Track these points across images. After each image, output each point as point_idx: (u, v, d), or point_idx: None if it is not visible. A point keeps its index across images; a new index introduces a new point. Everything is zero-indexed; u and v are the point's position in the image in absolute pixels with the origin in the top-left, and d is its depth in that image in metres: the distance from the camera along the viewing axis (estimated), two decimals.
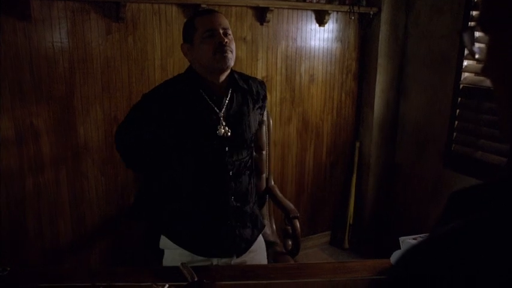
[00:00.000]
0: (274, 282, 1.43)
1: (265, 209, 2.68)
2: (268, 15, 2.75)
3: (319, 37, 3.05)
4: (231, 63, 1.50)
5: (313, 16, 2.98)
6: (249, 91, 1.60)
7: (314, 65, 3.08)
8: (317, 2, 2.90)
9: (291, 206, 2.43)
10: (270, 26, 2.82)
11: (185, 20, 1.60)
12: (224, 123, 1.52)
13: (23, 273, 1.45)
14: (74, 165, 2.38)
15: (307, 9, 2.92)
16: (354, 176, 3.39)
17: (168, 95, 1.53)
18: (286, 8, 2.84)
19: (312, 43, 3.03)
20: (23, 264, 2.25)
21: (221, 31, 1.46)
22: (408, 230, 3.11)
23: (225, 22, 1.49)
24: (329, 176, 3.38)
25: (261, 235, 1.81)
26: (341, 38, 3.14)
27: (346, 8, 2.96)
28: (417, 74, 3.08)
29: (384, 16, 3.05)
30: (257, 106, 1.64)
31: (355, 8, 2.93)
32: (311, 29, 3.00)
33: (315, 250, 3.38)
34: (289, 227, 2.36)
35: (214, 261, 1.63)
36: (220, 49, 1.45)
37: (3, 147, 2.18)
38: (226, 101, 1.54)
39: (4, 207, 2.24)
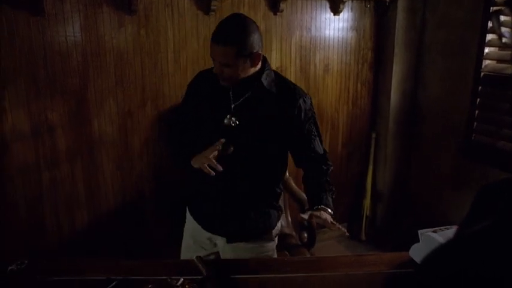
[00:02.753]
0: (290, 275, 1.41)
1: (280, 201, 2.66)
2: (282, 5, 2.70)
3: (334, 26, 3.00)
4: (231, 84, 1.54)
5: (328, 5, 2.93)
6: (272, 94, 1.57)
7: (329, 55, 3.03)
8: None
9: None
10: (283, 15, 2.78)
11: None
12: (233, 115, 1.56)
13: (40, 266, 1.46)
14: (89, 158, 2.39)
15: None
16: (370, 167, 3.34)
17: (206, 79, 1.64)
18: None
19: (327, 32, 2.98)
20: (40, 257, 2.28)
21: (217, 59, 1.48)
22: (426, 222, 3.05)
23: (221, 56, 1.46)
24: (345, 167, 3.33)
25: (273, 244, 1.80)
26: (356, 27, 3.08)
27: None
28: (435, 62, 3.00)
29: (401, 3, 2.97)
30: (280, 114, 1.58)
31: None
32: (326, 18, 2.95)
33: (331, 242, 3.35)
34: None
35: (219, 241, 1.71)
36: (217, 75, 1.53)
37: (19, 141, 2.20)
38: (244, 97, 1.56)
39: (22, 200, 2.26)
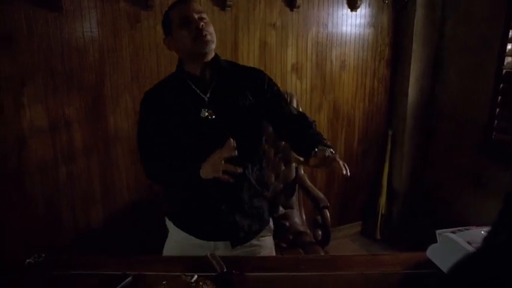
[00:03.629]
0: (304, 274, 1.40)
1: (294, 198, 2.66)
2: (299, 1, 2.68)
3: (351, 22, 2.96)
4: (212, 46, 1.51)
5: (345, 1, 2.89)
6: (237, 77, 1.59)
7: (345, 51, 3.00)
8: None
9: (321, 195, 2.40)
10: (300, 11, 2.75)
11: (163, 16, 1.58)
12: (208, 107, 1.52)
13: (57, 260, 1.47)
14: (105, 154, 2.41)
15: None
16: (386, 165, 3.30)
17: (160, 92, 1.58)
18: None
19: (344, 29, 2.95)
20: (57, 250, 2.31)
21: (196, 16, 1.47)
22: (444, 222, 3.01)
23: (198, 7, 1.50)
24: (360, 164, 3.30)
25: (270, 240, 1.74)
26: (374, 23, 3.03)
27: None
28: (455, 59, 2.94)
29: None
30: (251, 91, 1.58)
31: None
32: (342, 14, 2.91)
33: (345, 240, 3.32)
34: (318, 217, 2.32)
35: (212, 246, 1.60)
36: (199, 34, 1.46)
37: (37, 137, 2.23)
38: (212, 86, 1.54)
39: (40, 195, 2.30)
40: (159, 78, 2.42)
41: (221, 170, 1.42)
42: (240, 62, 2.64)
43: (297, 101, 2.65)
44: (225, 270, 1.35)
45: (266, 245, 1.71)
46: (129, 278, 1.31)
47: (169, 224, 1.71)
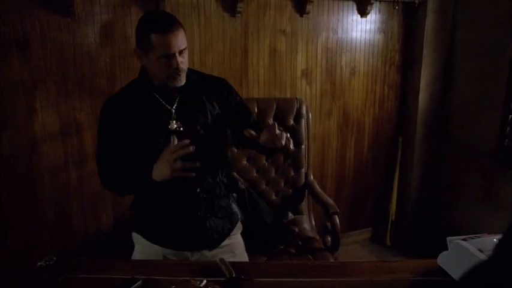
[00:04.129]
0: (313, 280, 1.39)
1: (303, 204, 2.65)
2: (308, 7, 2.68)
3: (361, 28, 2.96)
4: (183, 81, 1.50)
5: (355, 6, 2.89)
6: (202, 87, 1.59)
7: (355, 57, 2.99)
8: None
9: (331, 201, 2.38)
10: (310, 17, 2.76)
11: (139, 21, 1.49)
12: (176, 118, 1.51)
13: (67, 263, 1.48)
14: None
15: (348, 0, 2.84)
16: (397, 171, 3.27)
17: (123, 101, 1.54)
18: None
19: (354, 34, 2.94)
20: (67, 254, 2.33)
21: (177, 53, 1.43)
22: (454, 230, 2.99)
23: (181, 41, 1.44)
24: (370, 171, 3.28)
25: (240, 237, 1.77)
26: (384, 29, 3.03)
27: None
28: (466, 65, 2.92)
29: (431, 4, 2.91)
30: (216, 101, 1.61)
31: None
32: (352, 20, 2.91)
33: (355, 247, 3.30)
34: (328, 223, 2.31)
35: (188, 255, 1.63)
36: (175, 73, 1.45)
37: (49, 141, 2.26)
38: (178, 98, 1.54)
39: (50, 198, 2.32)
40: None
41: (179, 169, 1.41)
42: (250, 69, 2.67)
43: (307, 107, 2.66)
44: (233, 275, 1.34)
45: (238, 241, 1.75)
46: (139, 282, 1.31)
47: (137, 237, 1.68)
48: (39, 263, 1.43)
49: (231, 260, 1.48)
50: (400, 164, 3.27)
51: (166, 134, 1.48)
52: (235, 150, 2.54)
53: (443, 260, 1.38)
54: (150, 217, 1.64)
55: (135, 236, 1.70)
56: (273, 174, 2.62)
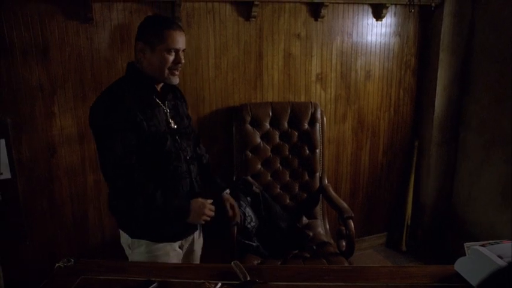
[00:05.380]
0: (328, 284, 1.38)
1: (318, 208, 2.64)
2: (323, 11, 2.68)
3: (376, 32, 2.94)
4: (178, 80, 1.66)
5: (370, 10, 2.88)
6: (174, 89, 1.76)
7: (371, 60, 2.98)
8: None
9: (345, 205, 2.38)
10: (324, 21, 2.76)
11: (148, 20, 1.65)
12: (172, 119, 1.68)
13: (85, 265, 1.50)
14: None
15: (363, 3, 2.83)
16: (412, 176, 3.24)
17: (128, 101, 1.55)
18: (342, 3, 2.76)
19: (369, 38, 2.93)
20: (84, 255, 2.35)
21: (181, 50, 1.61)
22: (472, 235, 2.94)
23: (184, 42, 1.63)
24: (385, 175, 3.26)
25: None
26: (399, 32, 3.01)
27: (405, 1, 2.82)
28: (484, 68, 2.88)
29: (448, 7, 2.88)
30: (182, 99, 1.83)
31: (415, 0, 2.79)
32: (367, 24, 2.90)
33: (370, 252, 3.28)
34: (343, 227, 2.30)
35: (177, 245, 1.75)
36: (175, 68, 1.61)
37: (67, 144, 2.30)
38: (168, 98, 1.70)
39: (68, 201, 2.35)
40: (185, 89, 2.50)
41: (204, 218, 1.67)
42: (265, 73, 2.68)
43: (321, 111, 2.66)
44: (248, 278, 1.35)
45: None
46: (155, 284, 1.32)
47: (133, 242, 1.71)
48: (57, 265, 1.45)
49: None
50: (415, 169, 3.24)
51: (169, 134, 1.64)
52: (250, 154, 2.55)
53: (461, 266, 1.36)
54: (150, 214, 1.63)
55: (137, 242, 1.70)
56: (288, 178, 2.62)
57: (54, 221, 2.34)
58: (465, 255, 1.37)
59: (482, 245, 1.31)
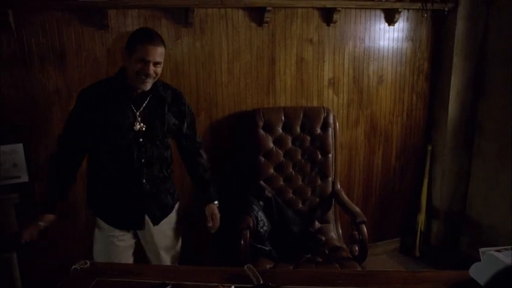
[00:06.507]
0: None
1: (330, 213, 2.64)
2: (335, 16, 2.69)
3: (389, 37, 2.94)
4: (149, 87, 1.77)
5: (382, 15, 2.88)
6: (165, 98, 1.86)
7: (383, 65, 2.97)
8: (386, 1, 2.79)
9: (358, 210, 2.37)
10: (337, 26, 2.77)
11: (134, 32, 1.80)
12: (140, 120, 1.79)
13: (100, 267, 1.53)
14: None
15: (375, 9, 2.83)
16: (426, 180, 3.22)
17: (99, 94, 1.78)
18: (354, 8, 2.77)
19: (381, 43, 2.93)
20: None
21: (152, 62, 1.71)
22: (487, 240, 2.90)
23: (159, 56, 1.73)
24: (398, 180, 3.24)
25: (174, 216, 2.05)
26: (412, 37, 3.00)
27: (418, 6, 2.82)
28: (498, 73, 2.86)
29: (461, 11, 2.86)
30: (172, 110, 1.89)
31: (428, 5, 2.78)
32: (380, 29, 2.90)
33: (382, 257, 3.25)
34: (355, 232, 2.29)
35: (128, 235, 1.93)
36: (144, 75, 1.72)
37: None
38: (145, 103, 1.80)
39: (82, 203, 2.38)
40: (199, 93, 2.52)
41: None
42: (277, 78, 2.70)
43: (334, 116, 2.66)
44: (261, 282, 1.36)
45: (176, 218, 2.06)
46: (169, 287, 1.34)
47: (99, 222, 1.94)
48: (73, 266, 1.48)
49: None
50: (429, 174, 3.21)
51: (131, 133, 1.77)
52: (262, 158, 2.57)
53: (476, 272, 1.35)
54: (104, 201, 1.90)
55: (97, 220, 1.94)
56: (300, 182, 2.62)
57: (69, 224, 2.38)
58: (480, 260, 1.36)
59: (498, 251, 1.30)
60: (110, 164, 1.82)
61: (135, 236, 1.97)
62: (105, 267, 1.56)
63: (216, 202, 2.05)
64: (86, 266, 1.49)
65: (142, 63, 1.70)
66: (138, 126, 1.79)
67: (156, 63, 1.73)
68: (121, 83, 1.78)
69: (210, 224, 2.00)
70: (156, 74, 1.75)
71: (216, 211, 2.02)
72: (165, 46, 1.77)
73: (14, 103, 2.20)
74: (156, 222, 1.93)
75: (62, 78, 2.25)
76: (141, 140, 1.80)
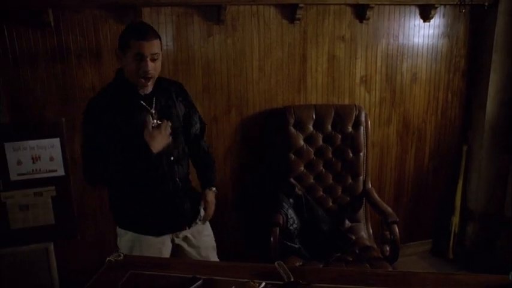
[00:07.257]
0: None
1: (361, 212, 2.61)
2: (368, 13, 2.65)
3: (424, 33, 2.87)
4: (150, 89, 1.72)
5: (417, 11, 2.81)
6: (170, 90, 1.82)
7: (417, 63, 2.90)
8: None
9: (390, 210, 2.34)
10: (369, 23, 2.72)
11: (123, 31, 1.68)
12: (156, 117, 1.73)
13: (133, 260, 1.56)
14: None
15: (410, 5, 2.76)
16: (460, 181, 3.12)
17: (108, 103, 1.69)
18: (388, 4, 2.71)
19: (415, 40, 2.86)
20: None
21: (149, 57, 1.62)
22: None
23: (155, 47, 1.64)
24: (431, 180, 3.16)
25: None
26: (448, 34, 2.92)
27: (455, 1, 2.73)
28: None
29: (503, 5, 2.75)
30: (179, 99, 1.85)
31: (467, 0, 2.69)
32: (414, 25, 2.83)
33: (414, 258, 3.19)
34: (387, 232, 2.26)
35: (167, 238, 1.83)
36: (143, 75, 1.65)
37: None
38: (154, 99, 1.75)
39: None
40: (229, 90, 2.54)
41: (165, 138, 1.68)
42: (309, 75, 2.67)
43: (365, 114, 2.62)
44: (292, 279, 1.35)
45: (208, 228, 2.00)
46: (200, 281, 1.36)
47: (120, 231, 1.84)
48: (108, 258, 1.52)
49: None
50: (464, 174, 3.12)
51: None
52: (293, 156, 2.56)
53: None
54: (135, 208, 1.78)
55: (121, 232, 1.84)
56: (331, 181, 2.60)
57: (104, 217, 2.43)
58: None
59: None
60: (138, 169, 1.69)
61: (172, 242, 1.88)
62: (138, 260, 1.59)
63: (214, 188, 1.96)
64: (119, 258, 1.52)
65: (139, 60, 1.61)
66: (156, 122, 1.72)
67: (153, 57, 1.63)
68: (125, 85, 1.71)
69: (202, 213, 1.91)
70: (156, 70, 1.67)
71: (211, 198, 1.93)
72: (160, 37, 1.69)
73: (52, 99, 2.28)
74: (195, 219, 1.89)
75: (98, 75, 2.30)
76: None
